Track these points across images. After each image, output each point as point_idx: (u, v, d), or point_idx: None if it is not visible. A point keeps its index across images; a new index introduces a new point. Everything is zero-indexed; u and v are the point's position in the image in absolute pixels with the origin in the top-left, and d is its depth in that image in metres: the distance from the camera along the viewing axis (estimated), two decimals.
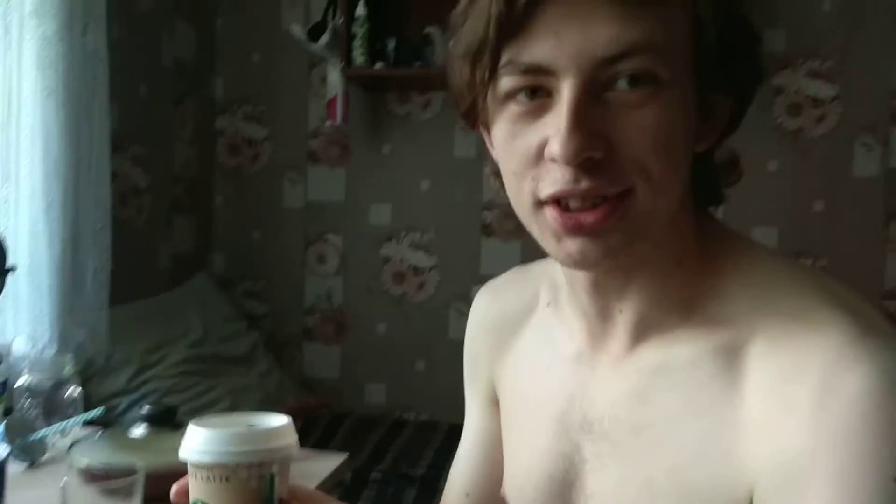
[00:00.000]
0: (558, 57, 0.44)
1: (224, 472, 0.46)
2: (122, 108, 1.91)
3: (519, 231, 2.60)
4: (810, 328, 0.45)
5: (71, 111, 1.53)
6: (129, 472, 0.73)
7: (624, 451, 0.51)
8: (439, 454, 1.95)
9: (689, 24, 0.45)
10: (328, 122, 2.32)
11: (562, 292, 0.57)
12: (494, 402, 0.65)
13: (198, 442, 0.47)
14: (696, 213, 0.53)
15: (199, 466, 0.47)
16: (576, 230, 0.46)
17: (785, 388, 0.44)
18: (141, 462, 0.74)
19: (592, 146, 0.44)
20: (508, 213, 0.51)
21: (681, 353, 0.49)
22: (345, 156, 2.45)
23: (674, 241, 0.51)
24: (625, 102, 0.44)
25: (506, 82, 0.46)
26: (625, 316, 0.52)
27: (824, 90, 2.22)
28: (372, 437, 2.04)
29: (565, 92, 0.44)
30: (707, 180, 0.52)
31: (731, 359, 0.47)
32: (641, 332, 0.52)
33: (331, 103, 2.27)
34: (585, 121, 0.44)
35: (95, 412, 1.01)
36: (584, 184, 0.45)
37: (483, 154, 0.53)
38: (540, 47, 0.44)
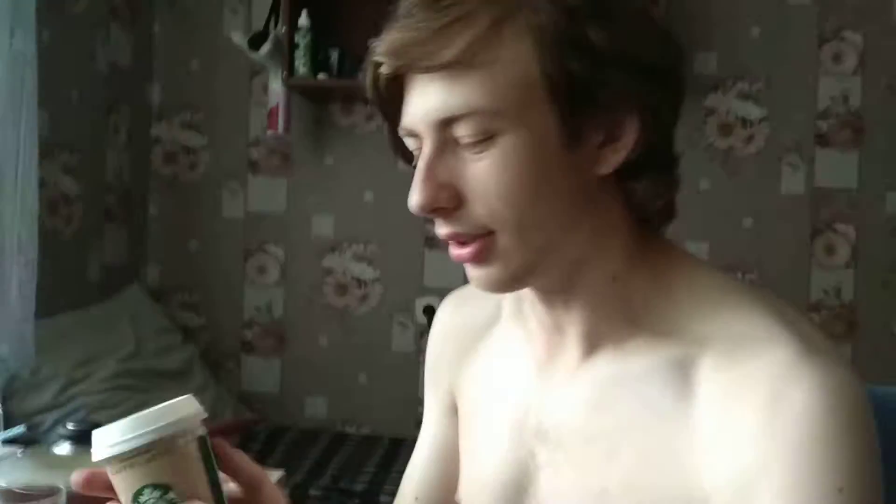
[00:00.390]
0: (414, 122, 0.51)
1: (164, 446, 0.46)
2: (53, 114, 1.85)
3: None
4: (758, 345, 0.47)
5: None
6: (51, 492, 0.71)
7: (578, 459, 0.53)
8: (380, 469, 1.94)
9: (536, 64, 0.48)
10: (269, 132, 2.31)
11: (525, 304, 0.59)
12: (453, 410, 0.66)
13: (122, 432, 0.45)
14: (638, 230, 0.54)
15: (135, 453, 0.45)
16: (461, 260, 0.52)
17: (734, 403, 0.46)
18: (63, 482, 0.72)
19: (439, 199, 0.50)
20: None
21: (634, 365, 0.51)
22: (286, 166, 2.43)
23: (602, 261, 0.53)
24: (468, 157, 0.50)
25: (405, 140, 0.54)
26: (574, 329, 0.54)
27: (753, 111, 2.34)
28: (312, 452, 2.02)
29: (423, 150, 0.51)
30: (643, 197, 0.53)
31: (683, 372, 0.49)
32: (593, 344, 0.54)
33: (272, 113, 2.26)
34: (434, 175, 0.50)
35: (16, 430, 0.98)
36: (444, 229, 0.52)
37: None
38: (405, 115, 0.52)
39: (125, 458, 0.46)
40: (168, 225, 2.45)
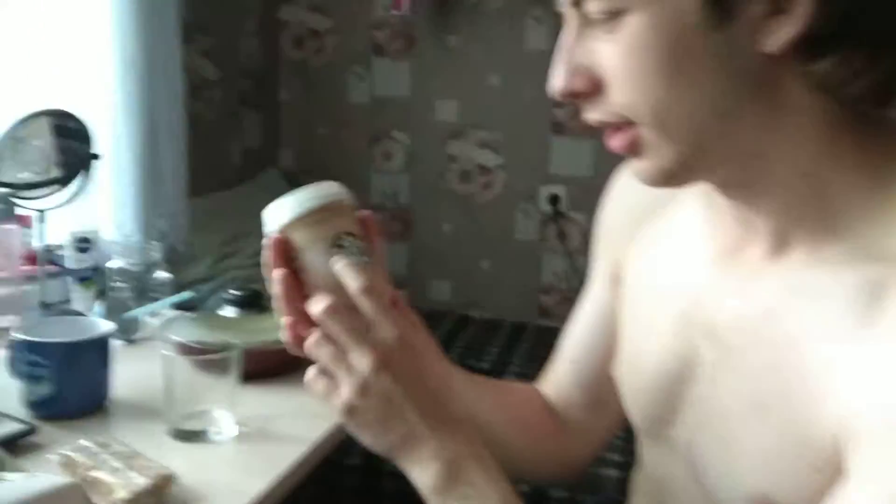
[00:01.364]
0: (557, 1, 0.48)
1: (349, 204, 0.51)
2: None
3: (593, 128, 2.49)
4: None
5: (142, 1, 1.53)
6: (224, 348, 0.77)
7: (741, 366, 0.50)
8: (504, 350, 2.00)
9: None
10: (394, 12, 2.26)
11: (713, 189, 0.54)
12: (618, 281, 0.64)
13: (318, 190, 0.50)
14: (847, 117, 0.46)
15: (337, 203, 0.50)
16: (613, 150, 0.48)
17: None
18: (236, 339, 0.78)
19: (575, 84, 0.47)
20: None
21: (823, 276, 0.46)
22: (410, 48, 2.39)
23: (786, 155, 0.46)
24: (602, 38, 0.46)
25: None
26: (762, 226, 0.49)
27: None
28: (438, 332, 2.10)
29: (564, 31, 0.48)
30: (832, 79, 0.44)
31: (875, 295, 0.43)
32: (782, 245, 0.49)
33: None
34: (571, 58, 0.47)
35: (184, 295, 1.07)
36: (588, 114, 0.48)
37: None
38: None
39: (327, 209, 0.50)
40: (299, 110, 2.51)
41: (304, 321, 0.50)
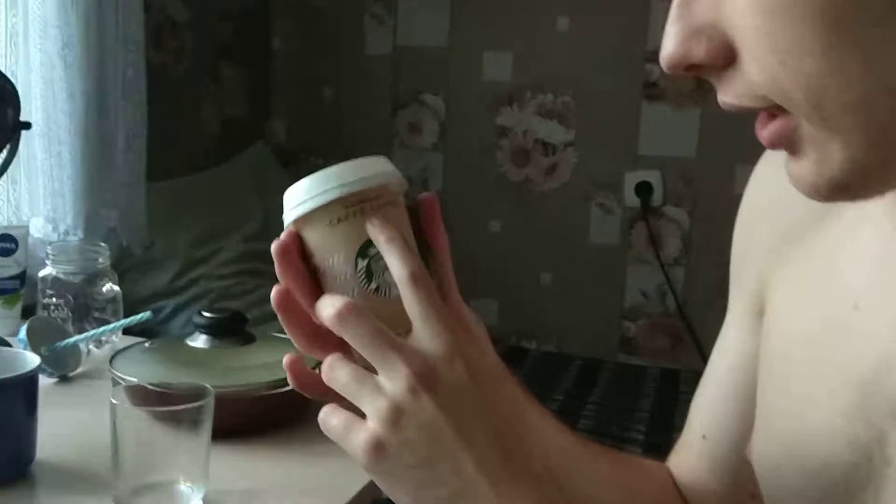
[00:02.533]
0: None
1: (391, 195, 0.48)
2: None
3: (700, 92, 2.46)
4: None
5: None
6: (194, 394, 0.76)
7: None
8: (570, 398, 1.98)
9: None
10: None
11: None
12: (761, 317, 0.61)
13: (350, 172, 0.47)
14: None
15: (371, 194, 0.47)
16: (767, 146, 0.45)
17: None
18: (208, 382, 0.76)
19: (693, 48, 0.44)
20: None
21: None
22: None
23: None
24: None
25: None
26: None
27: None
28: None
29: None
30: None
31: None
32: None
33: None
34: (690, 14, 0.44)
35: (140, 316, 1.06)
36: (720, 96, 0.45)
37: None
38: None
39: (356, 202, 0.47)
40: (296, 65, 2.52)
41: (321, 348, 0.48)
